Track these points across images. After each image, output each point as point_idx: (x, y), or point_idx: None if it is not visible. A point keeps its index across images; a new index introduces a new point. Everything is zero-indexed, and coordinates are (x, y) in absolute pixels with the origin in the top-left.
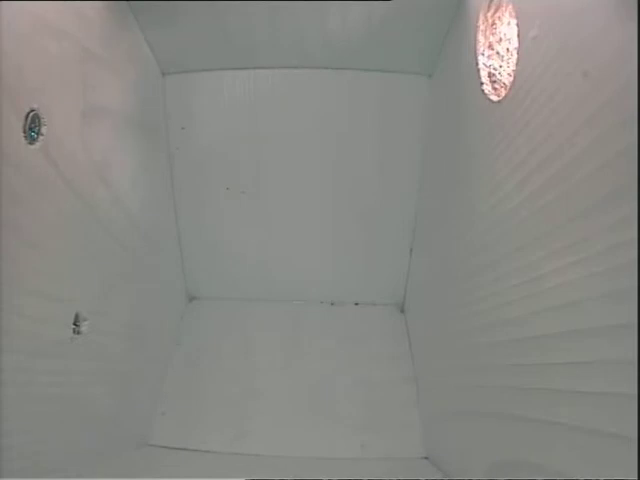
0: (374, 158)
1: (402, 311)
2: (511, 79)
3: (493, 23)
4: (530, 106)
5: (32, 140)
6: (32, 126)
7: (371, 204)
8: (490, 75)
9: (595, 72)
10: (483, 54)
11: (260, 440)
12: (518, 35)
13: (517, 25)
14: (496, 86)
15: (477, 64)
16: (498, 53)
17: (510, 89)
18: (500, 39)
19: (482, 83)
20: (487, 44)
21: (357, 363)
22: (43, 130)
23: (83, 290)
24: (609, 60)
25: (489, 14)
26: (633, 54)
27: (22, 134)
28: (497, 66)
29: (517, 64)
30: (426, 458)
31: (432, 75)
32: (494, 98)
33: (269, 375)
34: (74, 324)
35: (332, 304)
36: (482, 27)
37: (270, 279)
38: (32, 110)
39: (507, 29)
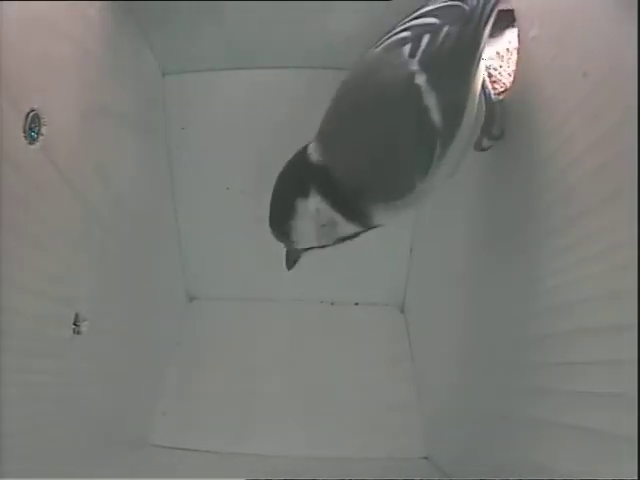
0: None
1: (402, 311)
2: (511, 79)
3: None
4: (530, 106)
5: (32, 140)
6: (32, 126)
7: None
8: (490, 75)
9: (595, 72)
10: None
11: (260, 440)
12: (518, 35)
13: (517, 25)
14: (496, 86)
15: None
16: (498, 53)
17: (510, 89)
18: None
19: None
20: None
21: (357, 363)
22: (43, 130)
23: (83, 290)
24: (609, 60)
25: None
26: (633, 54)
27: (22, 134)
28: (497, 66)
29: (517, 64)
30: (426, 458)
31: None
32: (494, 98)
33: (269, 375)
34: (74, 324)
35: (332, 304)
36: None
37: (270, 279)
38: (32, 110)
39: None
